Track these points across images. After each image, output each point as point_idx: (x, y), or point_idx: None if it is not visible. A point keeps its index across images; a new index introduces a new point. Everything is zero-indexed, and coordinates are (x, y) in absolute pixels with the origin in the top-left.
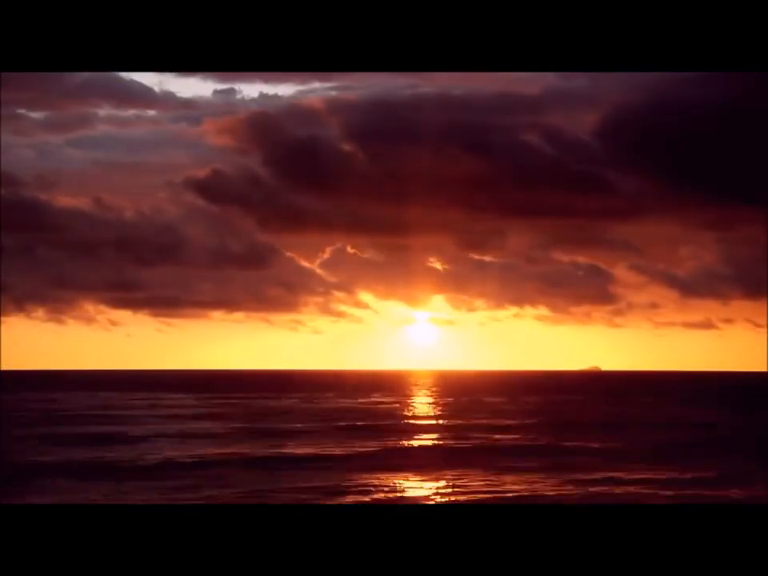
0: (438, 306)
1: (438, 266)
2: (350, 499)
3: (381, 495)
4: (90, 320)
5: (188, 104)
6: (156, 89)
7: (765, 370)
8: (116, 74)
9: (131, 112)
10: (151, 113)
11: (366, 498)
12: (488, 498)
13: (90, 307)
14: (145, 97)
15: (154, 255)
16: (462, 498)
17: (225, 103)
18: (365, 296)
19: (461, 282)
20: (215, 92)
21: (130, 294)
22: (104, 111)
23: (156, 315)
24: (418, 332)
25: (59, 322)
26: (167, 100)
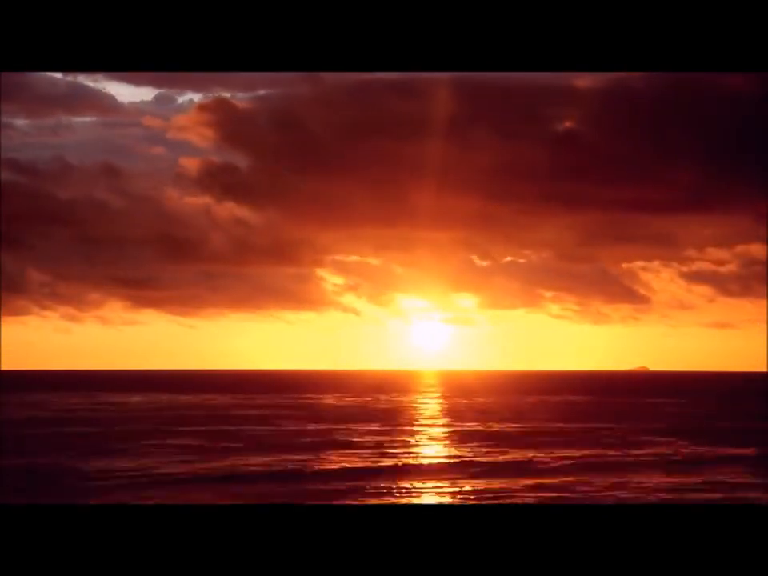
0: (462, 303)
1: (469, 262)
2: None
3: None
4: (100, 317)
5: (144, 108)
6: (117, 96)
7: (765, 369)
8: (82, 84)
9: (102, 118)
10: (117, 118)
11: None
12: None
13: (99, 302)
14: (108, 103)
15: (158, 253)
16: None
17: (178, 105)
18: (388, 294)
19: (491, 278)
20: (158, 96)
21: (135, 291)
22: (79, 118)
23: (168, 313)
24: (440, 331)
25: (71, 318)
26: (128, 107)
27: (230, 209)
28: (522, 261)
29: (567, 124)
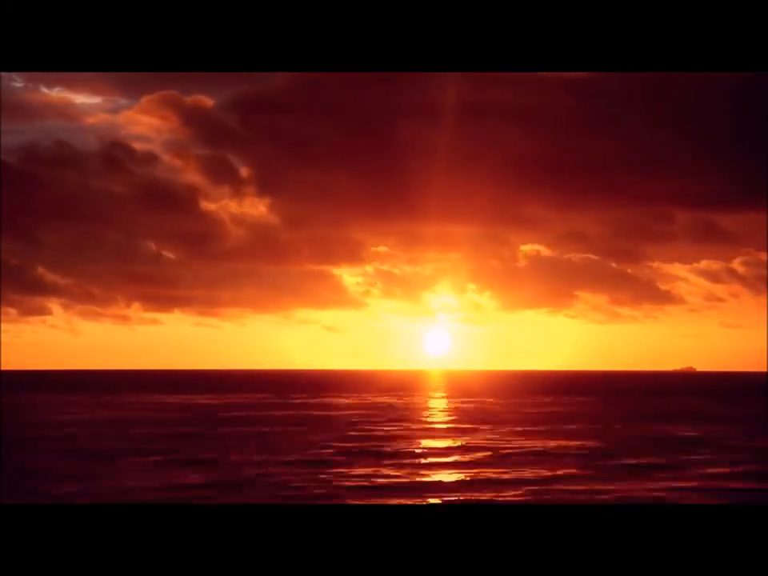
0: (489, 302)
1: (497, 258)
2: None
3: None
4: (118, 316)
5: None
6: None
7: (764, 369)
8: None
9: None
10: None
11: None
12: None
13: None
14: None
15: (173, 250)
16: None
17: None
18: (412, 292)
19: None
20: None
21: (151, 289)
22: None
23: (185, 313)
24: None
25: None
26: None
27: (243, 205)
28: (551, 257)
29: (597, 113)
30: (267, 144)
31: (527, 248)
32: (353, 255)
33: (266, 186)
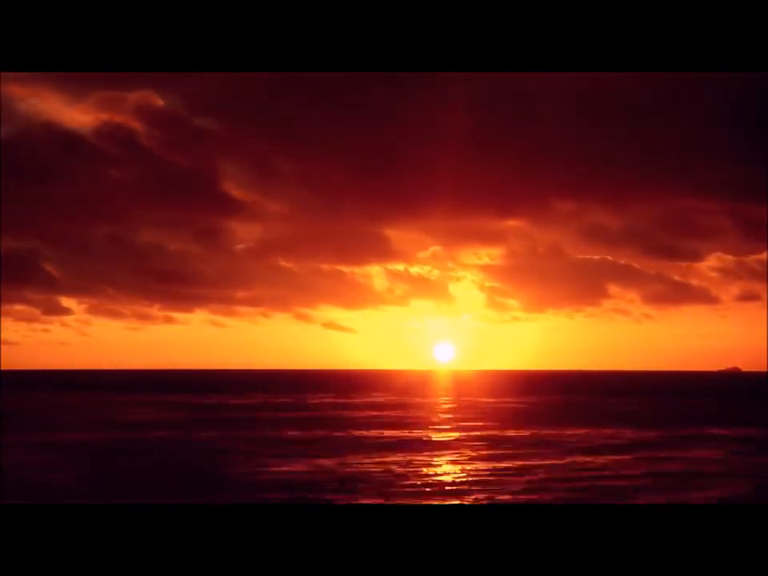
0: (520, 301)
1: (526, 256)
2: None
3: None
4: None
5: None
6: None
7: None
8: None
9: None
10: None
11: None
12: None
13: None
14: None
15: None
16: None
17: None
18: (436, 290)
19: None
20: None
21: (165, 287)
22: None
23: (203, 312)
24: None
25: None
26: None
27: (255, 202)
28: (580, 255)
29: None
30: (265, 141)
31: (556, 245)
32: (374, 253)
33: (269, 184)
